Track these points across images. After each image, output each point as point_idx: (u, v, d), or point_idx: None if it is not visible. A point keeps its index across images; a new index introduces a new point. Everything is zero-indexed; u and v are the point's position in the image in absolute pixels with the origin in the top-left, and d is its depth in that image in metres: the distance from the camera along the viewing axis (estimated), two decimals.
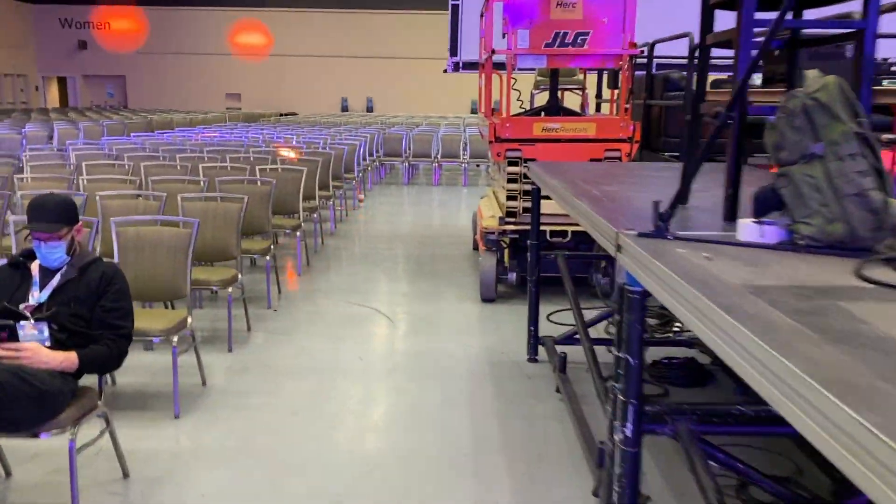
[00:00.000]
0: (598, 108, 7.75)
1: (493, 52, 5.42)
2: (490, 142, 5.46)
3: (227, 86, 30.84)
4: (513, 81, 5.46)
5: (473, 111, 30.80)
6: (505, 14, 5.27)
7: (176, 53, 30.50)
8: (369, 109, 30.83)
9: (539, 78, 6.74)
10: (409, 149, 14.03)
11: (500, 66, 5.81)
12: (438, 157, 13.86)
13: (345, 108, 30.84)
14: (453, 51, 8.99)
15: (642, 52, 5.42)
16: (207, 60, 30.53)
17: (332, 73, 30.44)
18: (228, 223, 4.94)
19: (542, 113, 5.79)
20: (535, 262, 4.32)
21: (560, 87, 6.85)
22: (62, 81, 31.82)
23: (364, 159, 12.41)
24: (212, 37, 30.39)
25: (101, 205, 4.91)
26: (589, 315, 3.96)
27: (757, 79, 4.72)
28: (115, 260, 4.03)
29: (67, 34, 30.52)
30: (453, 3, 8.87)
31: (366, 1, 29.96)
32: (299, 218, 6.93)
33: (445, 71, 9.25)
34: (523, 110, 6.32)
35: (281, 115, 28.07)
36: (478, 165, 14.74)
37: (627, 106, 5.49)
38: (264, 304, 5.69)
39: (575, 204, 2.71)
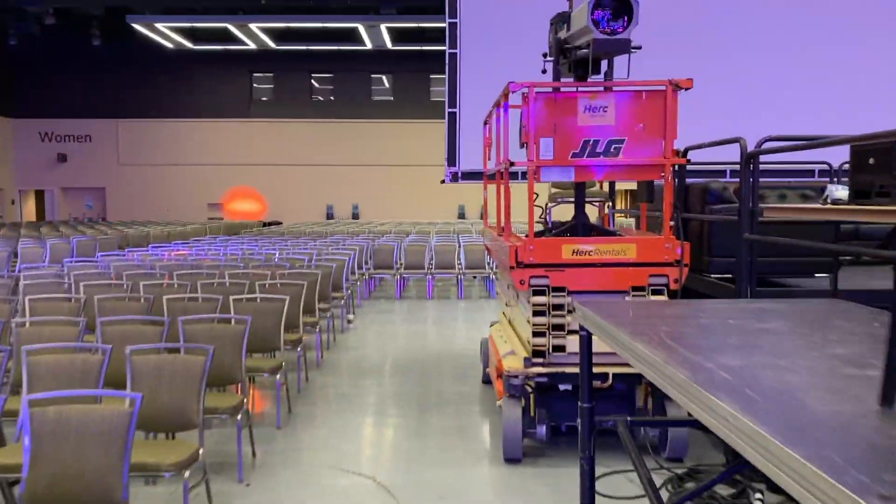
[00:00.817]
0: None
1: (512, 163, 4.58)
2: (511, 267, 4.55)
3: (209, 196, 30.30)
4: (536, 196, 4.61)
5: (461, 216, 30.37)
6: (523, 120, 4.47)
7: (157, 165, 30.09)
8: (355, 216, 30.31)
9: (555, 190, 5.92)
10: (401, 260, 13.17)
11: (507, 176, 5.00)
12: (432, 268, 12.99)
13: (330, 216, 30.29)
14: (451, 160, 8.25)
15: (688, 161, 4.64)
16: (189, 171, 30.12)
17: (316, 180, 30.07)
18: (189, 382, 3.90)
19: (569, 232, 4.92)
20: (588, 435, 3.30)
21: (570, 199, 6.04)
22: (40, 194, 31.18)
23: (353, 273, 11.50)
24: (194, 147, 30.10)
25: (25, 362, 3.88)
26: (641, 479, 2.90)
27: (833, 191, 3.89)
28: None
29: (47, 147, 30.12)
30: (450, 110, 8.20)
31: (350, 111, 30.02)
32: (280, 355, 5.90)
33: (443, 181, 8.48)
34: (543, 228, 5.46)
35: (265, 224, 27.43)
36: (474, 277, 13.87)
37: (671, 223, 4.63)
38: (234, 475, 4.56)
39: (713, 406, 1.71)
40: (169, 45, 27.69)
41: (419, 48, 28.03)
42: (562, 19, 4.78)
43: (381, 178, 29.83)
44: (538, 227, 5.18)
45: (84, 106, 29.55)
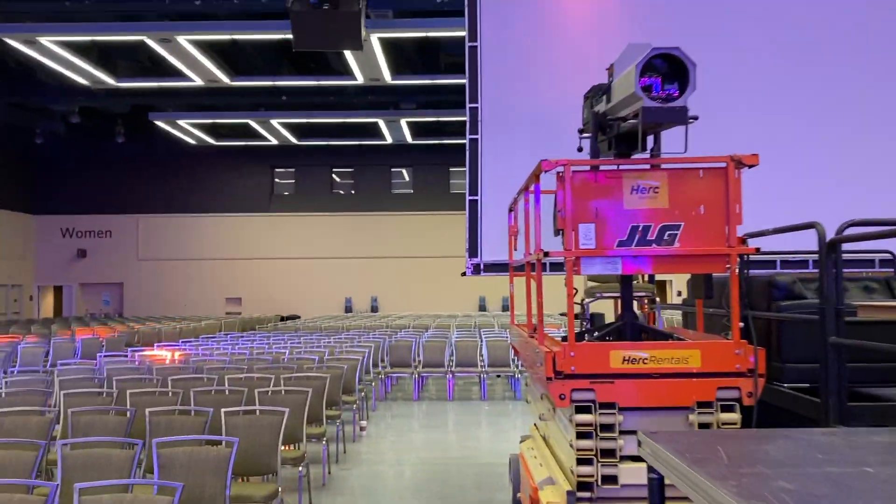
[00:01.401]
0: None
1: (546, 253, 3.89)
2: (548, 378, 3.77)
3: (228, 290, 29.91)
4: (574, 292, 3.88)
5: (482, 308, 29.60)
6: (559, 204, 3.81)
7: (176, 259, 29.91)
8: (374, 309, 29.65)
9: (592, 284, 5.19)
10: (419, 357, 12.35)
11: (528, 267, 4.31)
12: (452, 365, 12.14)
13: (348, 309, 29.67)
14: (472, 251, 7.59)
15: (758, 250, 3.92)
16: (208, 265, 29.88)
17: (335, 273, 29.64)
18: None
19: (615, 335, 4.16)
20: None
21: (613, 294, 5.30)
22: (59, 290, 31.00)
23: (368, 372, 10.69)
24: (213, 242, 29.97)
25: None
26: None
27: None
28: None
29: (67, 243, 30.15)
30: (471, 198, 7.61)
31: (370, 204, 29.91)
32: (275, 479, 5.07)
33: (464, 274, 7.79)
34: (581, 329, 4.70)
35: (282, 318, 26.82)
36: (498, 376, 12.97)
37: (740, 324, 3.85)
38: None
39: None
40: (191, 141, 28.01)
41: (439, 142, 28.11)
42: (599, 91, 4.19)
43: (401, 271, 29.33)
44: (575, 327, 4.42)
45: (105, 202, 29.73)
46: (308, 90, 21.69)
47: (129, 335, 15.98)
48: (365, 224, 29.79)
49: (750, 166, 3.77)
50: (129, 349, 11.31)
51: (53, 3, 14.56)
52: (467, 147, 7.82)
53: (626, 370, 3.73)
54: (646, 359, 3.73)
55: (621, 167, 3.88)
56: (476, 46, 7.79)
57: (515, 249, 5.75)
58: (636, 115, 3.52)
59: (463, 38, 17.40)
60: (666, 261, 3.86)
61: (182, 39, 16.31)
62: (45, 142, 26.53)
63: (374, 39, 16.55)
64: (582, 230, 3.79)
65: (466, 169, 7.89)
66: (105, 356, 10.12)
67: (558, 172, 3.80)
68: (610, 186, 3.81)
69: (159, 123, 24.96)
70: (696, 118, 3.51)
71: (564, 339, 4.35)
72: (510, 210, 5.86)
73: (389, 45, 17.68)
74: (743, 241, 3.86)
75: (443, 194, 29.59)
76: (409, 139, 27.77)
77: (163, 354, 10.24)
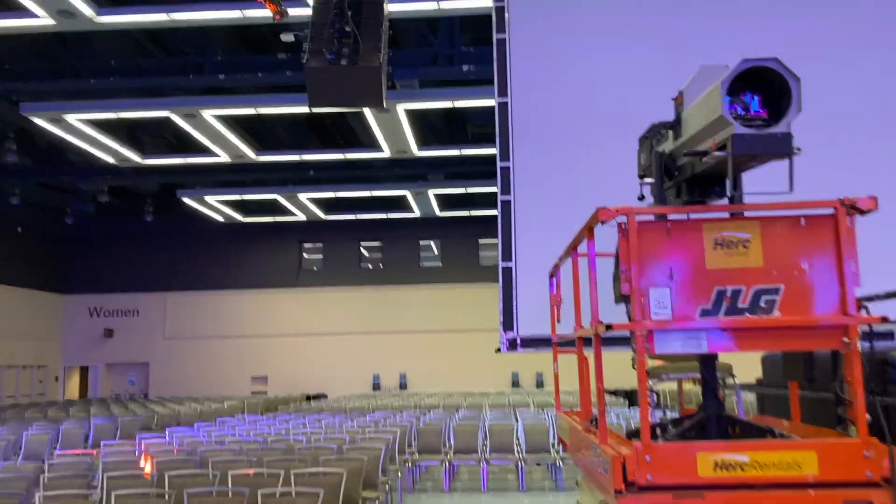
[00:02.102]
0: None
1: (609, 326, 3.07)
2: (616, 491, 2.89)
3: (254, 368, 29.17)
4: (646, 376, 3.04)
5: (514, 384, 28.37)
6: (622, 264, 3.01)
7: (202, 337, 29.37)
8: (402, 386, 28.58)
9: (657, 363, 4.32)
10: (450, 442, 11.34)
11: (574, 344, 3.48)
12: (486, 451, 11.10)
13: (376, 386, 28.65)
14: (507, 324, 6.78)
15: (885, 318, 3.07)
16: (234, 343, 29.26)
17: (363, 349, 28.78)
18: None
19: (698, 430, 3.27)
20: None
21: (686, 374, 4.44)
22: (85, 370, 30.52)
23: (393, 461, 9.73)
24: (240, 318, 29.45)
25: None
26: None
27: None
28: None
29: (95, 323, 29.85)
30: (505, 265, 6.85)
31: (399, 277, 29.31)
32: None
33: (498, 350, 6.96)
34: (657, 422, 3.82)
35: (308, 397, 25.89)
36: (538, 464, 11.86)
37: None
38: None
39: None
40: (219, 218, 27.88)
41: (467, 213, 27.61)
42: (662, 128, 3.46)
43: (430, 346, 28.37)
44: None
45: (133, 280, 29.55)
46: (335, 164, 21.44)
47: (145, 418, 15.23)
48: (393, 298, 29.10)
49: (866, 212, 2.97)
50: (139, 436, 10.52)
51: (78, 81, 14.50)
52: (499, 209, 7.11)
53: (719, 479, 2.84)
54: (745, 464, 2.84)
55: (698, 216, 3.09)
56: (507, 103, 7.19)
57: (559, 322, 4.93)
58: (721, 147, 2.76)
59: (491, 108, 16.73)
60: (762, 334, 3.01)
61: (207, 115, 16.16)
62: (74, 221, 26.59)
63: (401, 110, 16.25)
64: (654, 296, 2.98)
65: (499, 233, 7.16)
66: (109, 444, 9.33)
67: (619, 224, 3.02)
68: (686, 240, 3.01)
69: (187, 200, 24.87)
70: (800, 150, 2.74)
71: (631, 434, 3.48)
72: (551, 276, 5.07)
73: (416, 116, 17.37)
74: (861, 306, 3.01)
75: (472, 267, 28.90)
76: (437, 211, 27.33)
77: (173, 441, 9.44)
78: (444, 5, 11.73)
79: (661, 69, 7.27)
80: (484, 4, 11.80)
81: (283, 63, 14.49)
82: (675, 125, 3.25)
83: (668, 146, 3.35)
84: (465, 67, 14.46)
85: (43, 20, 11.59)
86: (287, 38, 13.13)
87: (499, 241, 7.02)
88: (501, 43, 7.11)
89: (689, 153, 3.04)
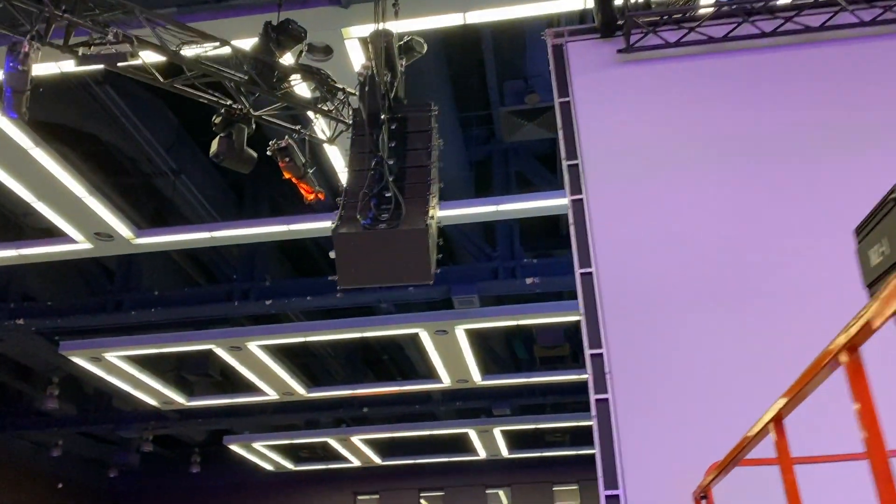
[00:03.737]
0: None
1: None
2: None
3: None
4: None
5: None
6: None
7: None
8: None
9: None
10: None
11: None
12: None
13: None
14: None
15: None
16: None
17: None
18: None
19: None
20: None
21: None
22: None
23: None
24: None
25: None
26: None
27: None
28: None
29: None
30: (609, 493, 4.78)
31: None
32: None
33: None
34: None
35: None
36: None
37: None
38: None
39: None
40: (268, 466, 25.77)
41: (539, 454, 24.82)
42: None
43: None
44: None
45: None
46: (390, 399, 19.70)
47: None
48: None
49: None
50: None
51: (119, 315, 13.74)
52: (594, 417, 5.19)
53: None
54: None
55: None
56: (591, 274, 5.58)
57: None
58: None
59: (560, 325, 14.65)
60: None
61: (253, 346, 15.04)
62: (117, 475, 24.91)
63: (459, 332, 14.84)
64: None
65: (597, 460, 5.15)
66: None
67: None
68: None
69: (234, 448, 23.08)
70: None
71: None
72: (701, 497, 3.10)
73: (477, 339, 15.90)
74: None
75: None
76: (504, 452, 24.66)
77: None
78: (504, 207, 10.71)
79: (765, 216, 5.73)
80: (548, 204, 10.77)
81: (332, 286, 13.52)
82: None
83: None
84: (528, 280, 13.21)
85: (80, 244, 11.03)
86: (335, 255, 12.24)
87: (598, 470, 4.99)
88: (578, 204, 5.70)
89: None
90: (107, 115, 10.99)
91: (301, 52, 6.38)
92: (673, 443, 4.75)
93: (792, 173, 5.73)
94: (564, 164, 5.77)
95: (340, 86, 6.47)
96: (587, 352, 5.19)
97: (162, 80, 5.80)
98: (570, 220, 5.58)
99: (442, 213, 11.25)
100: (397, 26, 6.14)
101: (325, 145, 6.78)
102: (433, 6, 7.07)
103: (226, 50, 5.92)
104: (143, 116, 11.34)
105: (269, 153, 6.20)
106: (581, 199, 5.58)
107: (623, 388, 4.98)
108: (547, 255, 13.35)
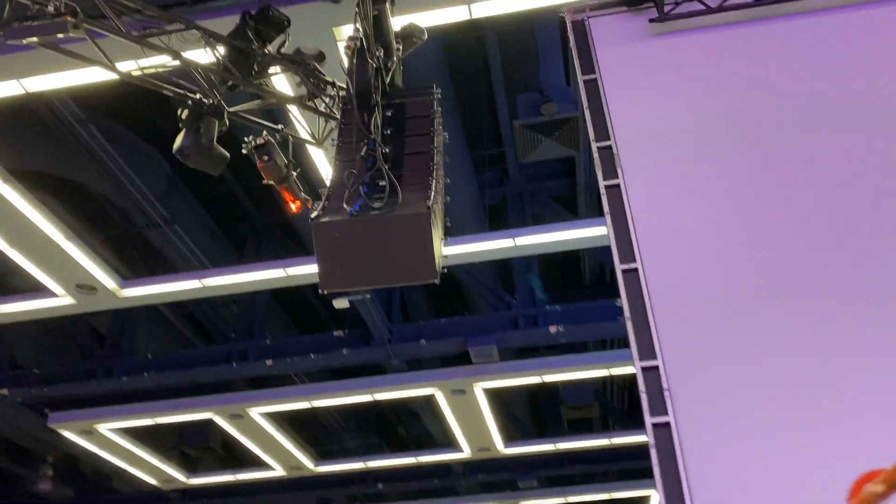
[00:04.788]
0: None
1: None
2: None
3: None
4: None
5: None
6: None
7: None
8: None
9: None
10: None
11: None
12: None
13: None
14: None
15: None
16: None
17: None
18: None
19: None
20: None
21: None
22: None
23: None
24: None
25: None
26: None
27: None
28: None
29: None
30: None
31: None
32: None
33: None
34: None
35: None
36: None
37: None
38: None
39: None
40: None
41: None
42: None
43: None
44: None
45: None
46: (407, 473, 18.24)
47: None
48: None
49: None
50: None
51: (109, 381, 12.73)
52: (652, 444, 4.06)
53: None
54: None
55: None
56: (636, 271, 4.55)
57: None
58: None
59: (588, 383, 13.75)
60: None
61: (255, 413, 13.87)
62: None
63: (478, 391, 13.60)
64: None
65: (660, 499, 3.98)
66: None
67: None
68: None
69: None
70: None
71: None
72: None
73: (498, 400, 14.61)
74: None
75: None
76: None
77: None
78: (522, 241, 9.71)
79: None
80: (570, 236, 9.76)
81: (337, 342, 12.51)
82: None
83: None
84: (552, 329, 12.08)
85: (62, 299, 10.13)
86: (341, 304, 11.28)
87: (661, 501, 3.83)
88: (615, 191, 4.73)
89: None
90: (92, 160, 10.29)
91: (284, 42, 5.57)
92: (756, 475, 3.62)
93: (853, 147, 4.76)
94: (595, 146, 4.85)
95: (330, 79, 5.63)
96: (638, 365, 4.09)
97: (117, 70, 4.99)
98: (607, 208, 4.61)
99: (453, 252, 10.31)
100: (394, 23, 5.37)
101: (311, 147, 5.90)
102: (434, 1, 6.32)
103: (193, 34, 5.13)
104: (133, 163, 10.63)
105: (244, 151, 5.31)
106: (618, 185, 4.64)
107: (687, 407, 3.87)
108: (570, 297, 12.28)
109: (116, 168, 10.48)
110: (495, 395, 14.19)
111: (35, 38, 4.28)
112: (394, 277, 4.47)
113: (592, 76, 5.08)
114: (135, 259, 11.38)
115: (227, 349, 12.70)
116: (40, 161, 9.84)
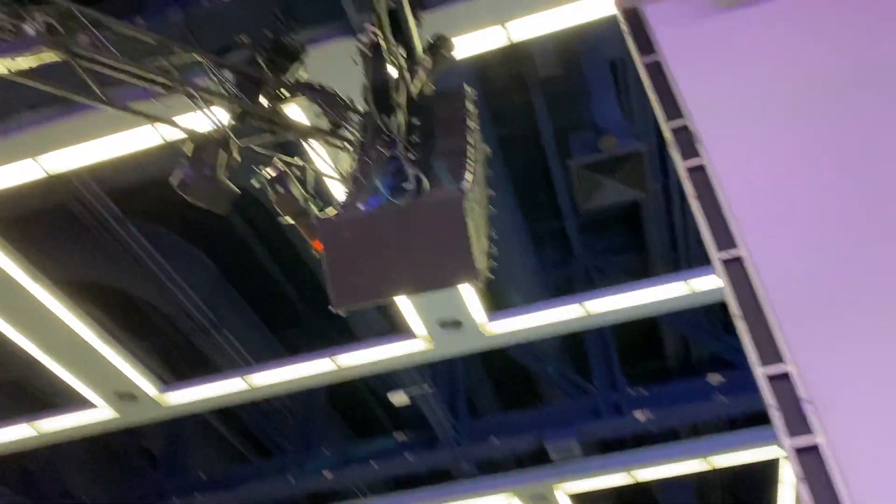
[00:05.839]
0: None
1: None
2: None
3: None
4: None
5: None
6: None
7: None
8: None
9: None
10: None
11: None
12: None
13: None
14: None
15: None
16: None
17: None
18: None
19: None
20: None
21: None
22: None
23: None
24: None
25: None
26: None
27: None
28: None
29: None
30: None
31: None
32: None
33: None
34: None
35: None
36: None
37: None
38: None
39: None
40: None
41: None
42: None
43: None
44: None
45: None
46: None
47: None
48: None
49: None
50: None
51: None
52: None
53: None
54: None
55: None
56: (739, 258, 3.52)
57: None
58: None
59: (686, 481, 12.14)
60: None
61: None
62: None
63: (562, 497, 12.03)
64: None
65: None
66: None
67: None
68: None
69: None
70: None
71: None
72: None
73: None
74: None
75: None
76: None
77: None
78: (592, 306, 8.64)
79: None
80: (650, 297, 8.59)
81: (400, 446, 11.39)
82: None
83: None
84: (638, 415, 10.68)
85: (103, 410, 9.48)
86: (400, 400, 10.28)
87: None
88: (699, 172, 3.81)
89: None
90: (135, 263, 9.91)
91: (299, 69, 5.04)
92: None
93: None
94: (666, 127, 4.01)
95: (357, 106, 5.00)
96: (760, 372, 2.97)
97: (104, 98, 4.50)
98: (693, 192, 3.69)
99: (516, 327, 9.28)
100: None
101: (331, 182, 5.21)
102: (467, 19, 5.76)
103: (191, 58, 4.65)
104: (177, 264, 10.21)
105: (255, 184, 4.64)
106: (701, 166, 3.74)
107: (837, 422, 2.73)
108: (654, 377, 10.94)
109: (160, 270, 10.07)
110: (581, 501, 12.55)
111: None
112: (423, 282, 3.52)
113: (653, 57, 4.33)
114: (182, 366, 10.76)
115: (282, 462, 11.71)
116: (81, 267, 9.52)
